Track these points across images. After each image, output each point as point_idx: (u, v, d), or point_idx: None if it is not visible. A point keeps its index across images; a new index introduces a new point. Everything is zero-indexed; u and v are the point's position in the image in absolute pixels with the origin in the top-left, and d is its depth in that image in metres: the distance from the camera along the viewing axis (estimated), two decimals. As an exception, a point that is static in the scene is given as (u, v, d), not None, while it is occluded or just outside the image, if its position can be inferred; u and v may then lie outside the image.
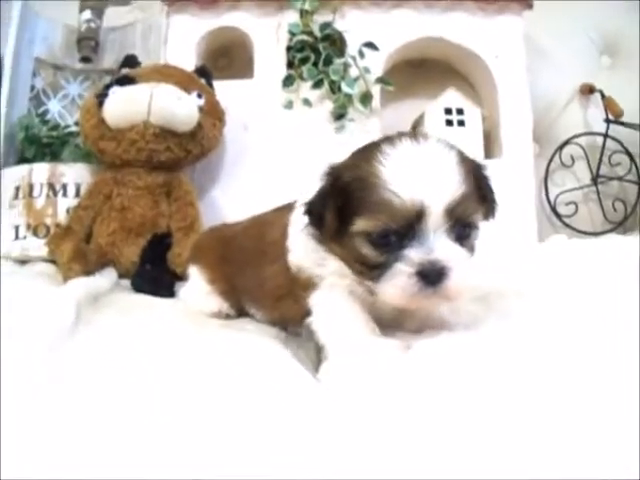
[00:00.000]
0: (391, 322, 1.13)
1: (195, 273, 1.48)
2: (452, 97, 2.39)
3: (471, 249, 1.03)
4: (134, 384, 0.81)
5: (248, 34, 2.43)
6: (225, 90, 2.30)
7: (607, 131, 2.52)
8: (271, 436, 0.63)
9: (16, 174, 2.15)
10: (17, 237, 2.10)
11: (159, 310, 1.43)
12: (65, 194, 2.11)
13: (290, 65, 2.37)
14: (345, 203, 0.96)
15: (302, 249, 1.09)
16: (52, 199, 2.10)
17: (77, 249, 1.77)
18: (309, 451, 0.59)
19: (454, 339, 0.96)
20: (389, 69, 2.47)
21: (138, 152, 1.93)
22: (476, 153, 2.26)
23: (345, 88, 2.27)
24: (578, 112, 2.65)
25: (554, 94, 2.66)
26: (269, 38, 2.41)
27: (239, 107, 2.33)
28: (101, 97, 1.97)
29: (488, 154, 2.40)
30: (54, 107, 2.69)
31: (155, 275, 1.72)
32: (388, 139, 0.98)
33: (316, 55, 2.32)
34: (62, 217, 2.08)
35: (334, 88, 2.30)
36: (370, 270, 0.96)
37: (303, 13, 2.33)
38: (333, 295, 1.05)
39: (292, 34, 2.34)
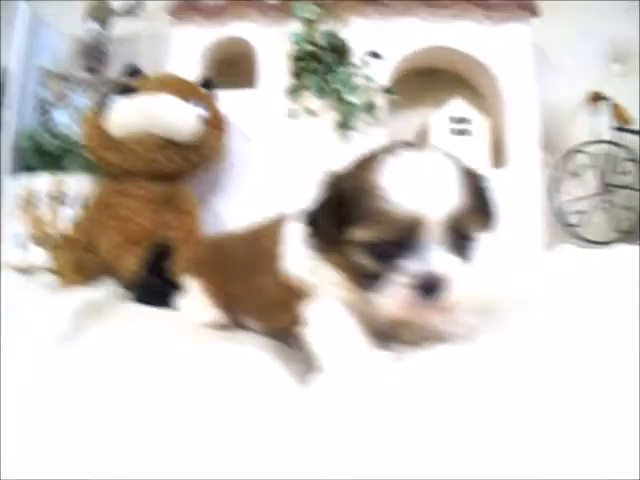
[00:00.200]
0: (387, 334, 1.10)
1: (192, 283, 1.46)
2: (458, 106, 2.38)
3: (469, 260, 1.01)
4: (123, 393, 0.82)
5: (252, 44, 2.44)
6: (229, 100, 2.30)
7: (616, 139, 2.49)
8: (256, 447, 0.63)
9: (19, 184, 2.15)
10: (18, 246, 2.09)
11: (156, 321, 1.42)
12: (67, 204, 2.11)
13: (294, 75, 2.37)
14: (343, 212, 0.94)
15: (297, 258, 1.07)
16: (54, 209, 2.09)
17: (78, 260, 1.77)
18: (295, 463, 0.59)
19: (449, 351, 0.93)
20: (396, 78, 2.45)
21: (139, 162, 1.93)
22: (482, 163, 2.27)
23: (349, 97, 2.26)
24: (586, 120, 2.59)
25: (562, 102, 2.61)
26: (273, 48, 2.42)
27: (243, 117, 2.32)
28: (102, 106, 1.96)
29: (495, 164, 2.39)
30: (60, 117, 2.69)
31: (155, 285, 1.70)
32: (388, 148, 0.97)
33: (320, 65, 2.31)
34: (63, 227, 2.07)
35: (338, 98, 2.28)
36: (366, 280, 0.94)
37: (307, 22, 2.33)
38: (328, 305, 1.03)
39: (296, 42, 2.32)
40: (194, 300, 1.46)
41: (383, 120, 2.34)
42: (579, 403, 0.63)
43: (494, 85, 2.42)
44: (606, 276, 1.47)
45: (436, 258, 0.89)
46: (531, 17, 2.41)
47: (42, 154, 2.35)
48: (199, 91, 2.09)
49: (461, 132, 2.32)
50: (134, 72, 2.13)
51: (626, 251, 1.80)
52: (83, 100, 2.69)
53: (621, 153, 2.51)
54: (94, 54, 2.60)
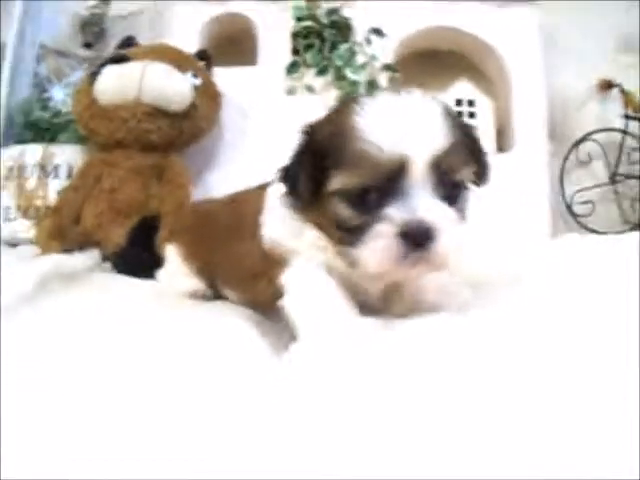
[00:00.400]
0: (376, 305, 1.04)
1: (172, 252, 1.40)
2: (463, 88, 2.31)
3: (461, 213, 0.93)
4: (84, 358, 0.78)
5: (252, 21, 2.37)
6: (227, 77, 2.25)
7: (626, 127, 2.41)
8: (228, 416, 0.59)
9: (8, 155, 2.10)
10: (7, 219, 2.04)
11: (132, 290, 1.36)
12: (57, 175, 2.06)
13: (295, 52, 2.30)
14: (321, 161, 0.88)
15: (277, 221, 1.00)
16: (43, 180, 2.05)
17: (56, 226, 1.71)
18: (270, 433, 0.55)
19: (439, 321, 0.86)
20: (400, 59, 2.38)
21: (129, 132, 1.87)
22: (486, 146, 2.18)
23: (351, 75, 2.20)
24: (596, 108, 2.53)
25: (571, 90, 2.53)
26: (274, 25, 2.34)
27: (241, 94, 2.26)
28: (93, 76, 1.90)
29: (500, 147, 2.31)
30: (58, 94, 2.62)
31: (137, 256, 1.64)
32: (367, 94, 0.92)
33: (321, 42, 2.25)
34: (53, 199, 2.02)
35: (340, 75, 2.22)
36: (349, 235, 0.87)
37: (308, -1, 2.26)
38: (308, 271, 0.96)
39: (298, 19, 2.27)
40: (173, 269, 1.40)
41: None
42: (573, 396, 0.56)
43: (500, 67, 2.35)
44: (605, 260, 1.39)
45: (423, 204, 0.82)
46: (538, -1, 2.33)
47: (34, 128, 2.29)
48: (193, 61, 2.03)
49: (465, 114, 2.24)
50: (128, 42, 2.08)
51: (630, 238, 1.70)
52: (81, 77, 2.64)
53: (631, 142, 2.42)
54: (92, 30, 2.54)
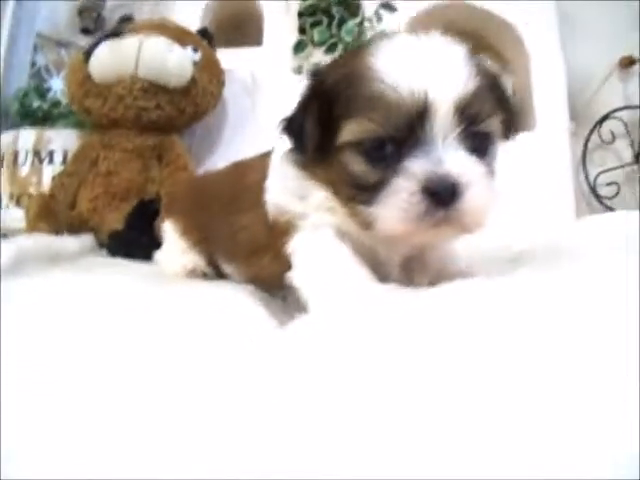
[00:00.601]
0: (395, 276, 0.91)
1: (169, 228, 1.30)
2: (478, 66, 2.18)
3: (490, 169, 0.82)
4: (60, 331, 0.67)
5: (257, 1, 2.28)
6: (232, 58, 2.15)
7: (650, 105, 2.30)
8: (227, 390, 0.52)
9: (1, 141, 1.99)
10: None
11: (121, 270, 1.25)
12: (51, 161, 1.96)
13: (301, 31, 2.20)
14: (330, 108, 0.78)
15: (280, 183, 0.90)
16: (37, 167, 1.95)
17: (44, 207, 1.61)
18: (267, 409, 0.47)
19: (475, 285, 0.71)
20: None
21: (126, 110, 1.76)
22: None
23: (360, 52, 2.09)
24: (618, 86, 2.39)
25: (592, 68, 2.41)
26: (279, 4, 2.25)
27: (246, 73, 2.16)
28: (88, 53, 1.79)
29: (520, 126, 2.17)
30: (57, 85, 2.55)
31: (135, 239, 1.53)
32: (383, 36, 0.81)
33: (329, 19, 2.14)
34: (47, 186, 1.90)
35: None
36: (363, 193, 0.76)
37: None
38: (317, 236, 0.85)
39: None
40: (171, 247, 1.29)
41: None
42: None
43: (518, 45, 2.25)
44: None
45: (448, 156, 0.71)
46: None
47: (33, 118, 2.20)
48: (193, 35, 1.93)
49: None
50: (126, 19, 1.97)
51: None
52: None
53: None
54: (91, 15, 2.45)
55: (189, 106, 1.83)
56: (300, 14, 2.21)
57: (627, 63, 2.38)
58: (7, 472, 0.43)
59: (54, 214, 1.63)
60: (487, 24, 2.30)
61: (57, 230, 1.56)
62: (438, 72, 0.72)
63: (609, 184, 2.31)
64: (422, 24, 2.26)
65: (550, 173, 2.10)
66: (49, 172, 1.94)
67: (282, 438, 0.43)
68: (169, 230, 1.30)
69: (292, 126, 0.83)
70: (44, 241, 1.32)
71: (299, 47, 2.16)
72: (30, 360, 0.58)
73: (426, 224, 0.72)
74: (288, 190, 0.87)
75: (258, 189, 0.93)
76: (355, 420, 0.43)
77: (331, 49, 2.13)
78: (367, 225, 0.77)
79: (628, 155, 2.34)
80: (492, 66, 0.88)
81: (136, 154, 1.78)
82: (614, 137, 2.34)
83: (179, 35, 1.84)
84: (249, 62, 2.19)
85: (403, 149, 0.72)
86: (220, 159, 2.06)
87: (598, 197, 2.29)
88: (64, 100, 2.40)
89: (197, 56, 1.83)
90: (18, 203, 1.91)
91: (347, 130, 0.75)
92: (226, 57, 2.11)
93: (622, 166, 2.33)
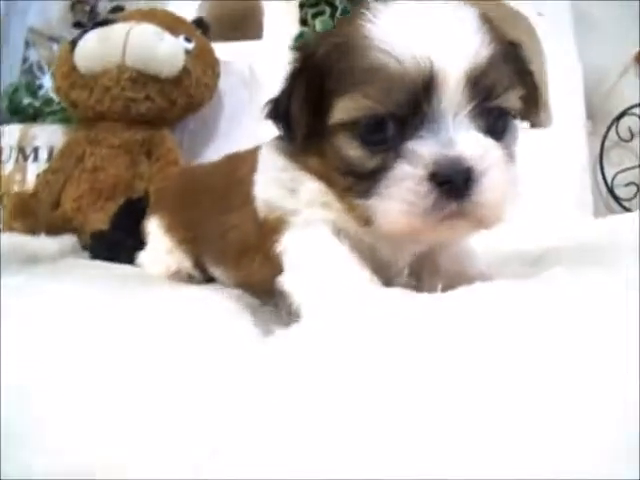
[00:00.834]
0: (403, 280, 0.84)
1: (153, 225, 1.19)
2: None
3: (509, 152, 0.70)
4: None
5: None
6: (231, 52, 2.06)
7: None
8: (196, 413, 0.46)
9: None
10: (-16, 208, 1.83)
11: (101, 273, 1.12)
12: (36, 158, 1.86)
13: (303, 23, 2.11)
14: (320, 84, 0.68)
15: (269, 176, 0.80)
16: (21, 164, 1.84)
17: (20, 206, 1.51)
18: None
19: (498, 290, 0.61)
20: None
21: (113, 102, 1.65)
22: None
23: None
24: (635, 82, 2.30)
25: (607, 64, 2.31)
26: (280, -1, 2.15)
27: (245, 68, 2.05)
28: (74, 42, 1.69)
29: (535, 123, 2.05)
30: (48, 82, 2.44)
31: (116, 239, 1.41)
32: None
33: (332, 9, 2.04)
34: (32, 184, 1.80)
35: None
36: (360, 182, 0.66)
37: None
38: (311, 234, 0.75)
39: None
40: (155, 247, 1.20)
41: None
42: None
43: (531, 38, 2.12)
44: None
45: (460, 136, 0.61)
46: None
47: (23, 115, 2.10)
48: (187, 24, 1.82)
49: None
50: (118, 9, 1.87)
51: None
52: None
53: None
54: (83, 8, 2.35)
55: (181, 97, 1.71)
56: (301, 5, 2.11)
57: (642, 58, 2.24)
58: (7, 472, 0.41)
59: (32, 213, 1.53)
60: (496, 14, 2.17)
61: (34, 230, 1.45)
62: (445, 38, 0.62)
63: (627, 184, 2.20)
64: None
65: (567, 173, 1.99)
66: (34, 170, 1.83)
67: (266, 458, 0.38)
68: (154, 227, 1.20)
69: (278, 109, 0.73)
70: (18, 241, 1.21)
71: (300, 39, 2.05)
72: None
73: (435, 218, 0.61)
74: (277, 183, 0.77)
75: (247, 185, 0.83)
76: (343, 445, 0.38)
77: (335, 38, 2.02)
78: (366, 221, 0.67)
79: (646, 155, 2.21)
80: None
81: (124, 149, 1.66)
82: (632, 135, 2.22)
83: (171, 23, 1.73)
84: (248, 56, 2.09)
85: (406, 129, 0.62)
86: (215, 154, 1.95)
87: (616, 198, 2.18)
88: (56, 97, 2.32)
89: (190, 45, 1.71)
90: (1, 202, 1.80)
91: (339, 108, 0.65)
92: (224, 51, 2.01)
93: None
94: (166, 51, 1.62)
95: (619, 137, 2.22)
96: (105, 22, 1.68)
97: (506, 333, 0.47)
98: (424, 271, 0.84)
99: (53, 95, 2.30)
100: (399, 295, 0.66)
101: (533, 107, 0.77)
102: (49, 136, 1.88)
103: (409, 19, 0.64)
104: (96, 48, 1.62)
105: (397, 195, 0.62)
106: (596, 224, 1.51)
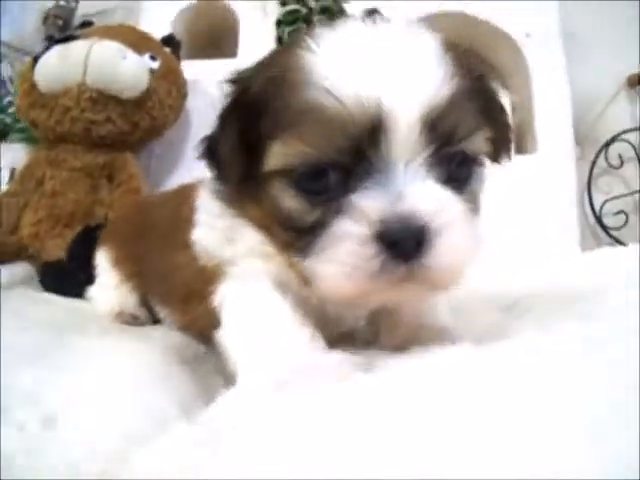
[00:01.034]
0: (358, 334, 0.79)
1: (103, 258, 1.14)
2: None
3: (473, 205, 0.62)
4: None
5: (232, 9, 2.11)
6: (204, 70, 1.97)
7: (660, 126, 2.12)
8: None
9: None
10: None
11: (39, 314, 1.04)
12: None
13: (279, 41, 2.03)
14: (254, 125, 0.61)
15: (207, 222, 0.74)
16: (-19, 187, 1.74)
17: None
18: None
19: (456, 356, 0.57)
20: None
21: (73, 123, 1.57)
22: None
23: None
24: (626, 107, 2.25)
25: (597, 88, 2.26)
26: (256, 12, 2.08)
27: (216, 86, 1.96)
28: (36, 59, 1.61)
29: (520, 149, 2.01)
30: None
31: (67, 271, 1.34)
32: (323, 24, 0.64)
33: (309, 28, 1.96)
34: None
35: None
36: (299, 237, 0.60)
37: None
38: (249, 286, 0.68)
39: (282, 4, 2.02)
40: (103, 279, 1.15)
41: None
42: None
43: (518, 59, 2.08)
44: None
45: (413, 188, 0.55)
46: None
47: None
48: (155, 43, 1.74)
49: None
50: (87, 24, 1.80)
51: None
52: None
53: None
54: (56, 23, 2.28)
55: (144, 120, 1.63)
56: (278, 22, 2.03)
57: (635, 81, 2.23)
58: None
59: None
60: (482, 35, 2.12)
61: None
62: (398, 72, 0.56)
63: (616, 213, 2.13)
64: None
65: (553, 201, 1.92)
66: (-5, 193, 1.74)
67: None
68: (103, 259, 1.16)
69: (210, 150, 0.66)
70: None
71: (277, 58, 1.99)
72: None
73: (382, 283, 0.55)
74: (215, 230, 0.71)
75: (191, 224, 0.76)
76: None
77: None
78: (306, 281, 0.61)
79: (637, 181, 2.16)
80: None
81: (85, 173, 1.58)
82: (622, 161, 2.15)
83: (136, 41, 1.65)
84: (221, 74, 2.00)
85: (350, 179, 0.56)
86: (182, 181, 1.88)
87: (604, 228, 2.11)
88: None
89: (155, 64, 1.63)
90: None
91: (273, 154, 0.58)
92: (196, 69, 1.95)
93: (631, 193, 2.16)
94: (128, 70, 1.54)
95: (608, 164, 2.16)
96: (68, 38, 1.60)
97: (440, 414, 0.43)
98: (382, 324, 0.76)
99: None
100: (342, 361, 0.60)
101: (504, 149, 0.69)
102: (13, 156, 1.79)
103: (355, 49, 0.57)
104: (56, 66, 1.54)
105: (338, 257, 0.54)
106: (580, 262, 1.44)
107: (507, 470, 0.36)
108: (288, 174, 0.58)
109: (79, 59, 1.51)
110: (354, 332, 0.78)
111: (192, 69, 1.93)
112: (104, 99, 1.55)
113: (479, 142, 0.62)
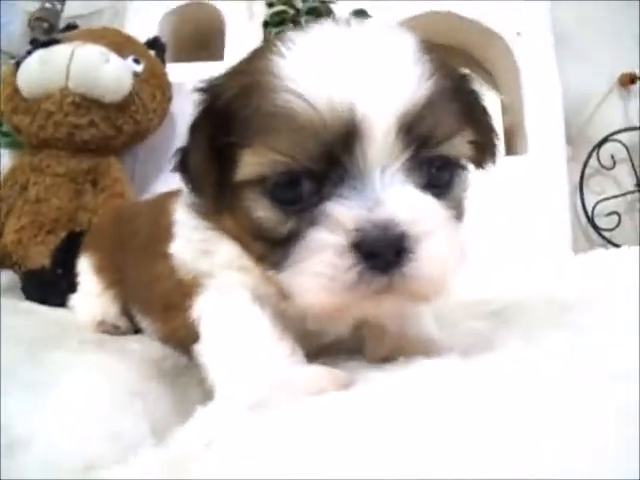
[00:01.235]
0: (342, 346, 0.77)
1: (85, 265, 1.14)
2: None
3: (455, 211, 0.59)
4: None
5: (218, 10, 2.09)
6: (189, 73, 1.92)
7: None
8: None
9: None
10: None
11: (16, 324, 1.01)
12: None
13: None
14: (225, 134, 0.59)
15: (184, 234, 0.72)
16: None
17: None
18: None
19: (443, 368, 0.56)
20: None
21: (56, 128, 1.55)
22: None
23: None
24: (618, 106, 2.24)
25: (589, 87, 2.25)
26: (242, 14, 2.07)
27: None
28: (18, 63, 1.58)
29: (510, 150, 2.01)
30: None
31: (49, 279, 1.31)
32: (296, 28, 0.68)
33: (297, 29, 1.94)
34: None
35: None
36: (273, 249, 0.59)
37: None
38: (227, 299, 0.67)
39: (269, 5, 2.00)
40: (85, 288, 1.14)
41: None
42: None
43: (507, 59, 2.07)
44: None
45: (391, 194, 0.53)
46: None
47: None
48: (137, 45, 1.72)
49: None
50: (71, 27, 1.78)
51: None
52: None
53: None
54: (41, 26, 2.24)
55: (127, 124, 1.61)
56: (265, 24, 2.02)
57: (627, 81, 2.22)
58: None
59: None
60: (471, 35, 2.13)
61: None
62: (371, 74, 0.54)
63: (609, 214, 2.12)
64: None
65: (544, 203, 1.91)
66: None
67: None
68: (85, 267, 1.14)
69: (183, 161, 0.65)
70: None
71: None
72: None
73: (361, 294, 0.53)
74: (191, 242, 0.70)
75: (170, 235, 0.74)
76: None
77: (299, 62, 1.93)
78: (283, 294, 0.59)
79: (629, 182, 2.16)
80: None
81: (68, 178, 1.56)
82: (614, 162, 2.15)
83: (120, 44, 1.63)
84: (207, 77, 1.98)
85: (325, 187, 0.54)
86: (166, 185, 1.86)
87: (597, 229, 2.10)
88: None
89: (139, 67, 1.61)
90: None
91: (247, 164, 0.57)
92: (182, 72, 1.92)
93: (623, 194, 2.15)
94: (111, 74, 1.52)
95: (600, 164, 2.15)
96: (50, 42, 1.58)
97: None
98: (367, 335, 0.75)
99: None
100: (322, 375, 0.59)
101: (488, 152, 0.67)
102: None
103: (327, 52, 0.55)
104: (38, 70, 1.52)
105: (313, 268, 0.52)
106: (572, 265, 1.42)
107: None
108: (261, 184, 0.57)
109: (61, 63, 1.49)
110: (337, 343, 0.76)
111: (177, 72, 1.90)
112: (87, 103, 1.53)
113: (460, 145, 0.60)
